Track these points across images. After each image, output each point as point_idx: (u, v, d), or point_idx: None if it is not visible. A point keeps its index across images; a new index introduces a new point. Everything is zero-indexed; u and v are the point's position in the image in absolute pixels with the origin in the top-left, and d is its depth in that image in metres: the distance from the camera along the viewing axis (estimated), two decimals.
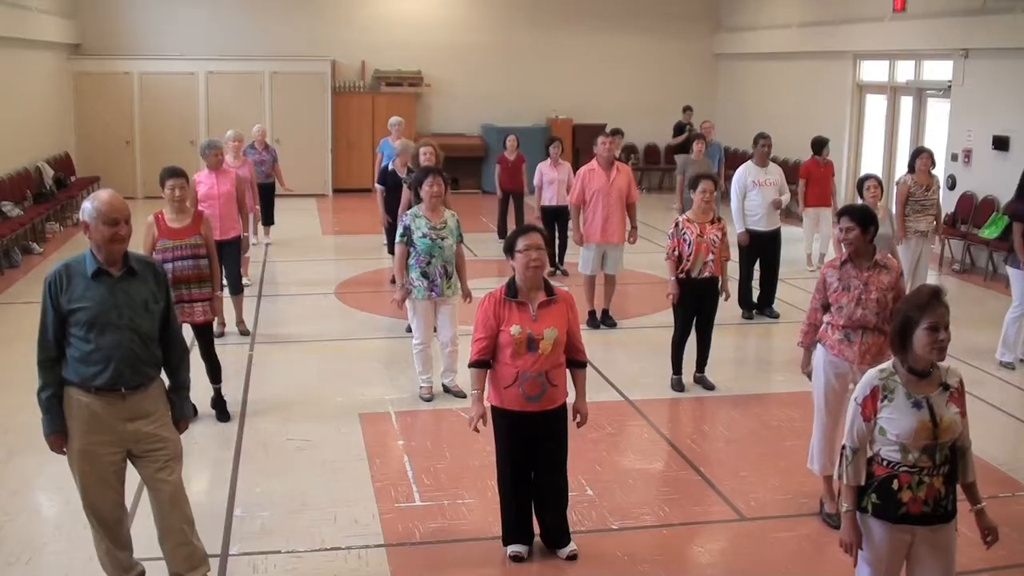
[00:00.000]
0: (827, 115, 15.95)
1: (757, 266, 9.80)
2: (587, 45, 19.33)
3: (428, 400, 7.31)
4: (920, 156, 9.43)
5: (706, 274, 7.45)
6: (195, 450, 6.32)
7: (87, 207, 4.11)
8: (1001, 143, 12.26)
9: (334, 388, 7.63)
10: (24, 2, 14.15)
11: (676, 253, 7.43)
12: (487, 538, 5.18)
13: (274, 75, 17.69)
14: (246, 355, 8.41)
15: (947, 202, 12.47)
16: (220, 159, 8.85)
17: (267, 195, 12.64)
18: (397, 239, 7.15)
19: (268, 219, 13.00)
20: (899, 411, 3.57)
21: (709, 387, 7.68)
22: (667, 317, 7.98)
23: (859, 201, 7.79)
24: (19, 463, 6.11)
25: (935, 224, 9.55)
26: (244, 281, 9.56)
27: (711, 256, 7.40)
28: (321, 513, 5.47)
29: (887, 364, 3.68)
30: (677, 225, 7.46)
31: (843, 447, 3.78)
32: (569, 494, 5.10)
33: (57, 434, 4.19)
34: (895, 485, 3.59)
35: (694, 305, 7.56)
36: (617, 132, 13.08)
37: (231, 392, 7.30)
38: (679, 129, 17.13)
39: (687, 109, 17.23)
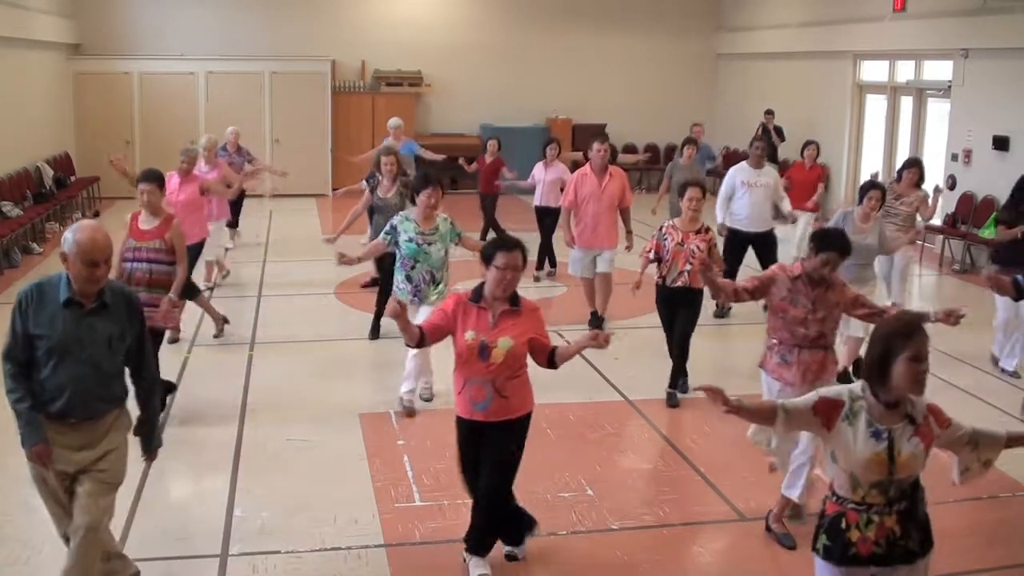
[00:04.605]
0: (827, 115, 15.95)
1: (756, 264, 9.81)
2: (587, 45, 19.31)
3: (428, 400, 7.30)
4: (909, 169, 9.11)
5: (679, 284, 7.25)
6: (195, 450, 6.33)
7: (68, 239, 3.95)
8: (1001, 143, 12.27)
9: (334, 388, 7.63)
10: (24, 2, 14.15)
11: (651, 253, 7.33)
12: None
13: (274, 75, 17.67)
14: (246, 355, 8.41)
15: (947, 202, 12.47)
16: (190, 168, 9.02)
17: (236, 199, 12.51)
18: (381, 235, 7.11)
19: (234, 222, 12.89)
20: (855, 438, 3.36)
21: (673, 405, 7.34)
22: None
23: (859, 206, 7.65)
24: (16, 463, 6.08)
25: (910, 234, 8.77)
26: (205, 284, 10.00)
27: (688, 266, 7.18)
28: (321, 513, 5.46)
29: (856, 386, 3.46)
30: (661, 228, 7.39)
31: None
32: (569, 494, 5.10)
33: (43, 443, 4.04)
34: (843, 524, 3.41)
35: (669, 313, 7.44)
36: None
37: (231, 392, 7.31)
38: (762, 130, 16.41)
39: (768, 112, 16.01)
